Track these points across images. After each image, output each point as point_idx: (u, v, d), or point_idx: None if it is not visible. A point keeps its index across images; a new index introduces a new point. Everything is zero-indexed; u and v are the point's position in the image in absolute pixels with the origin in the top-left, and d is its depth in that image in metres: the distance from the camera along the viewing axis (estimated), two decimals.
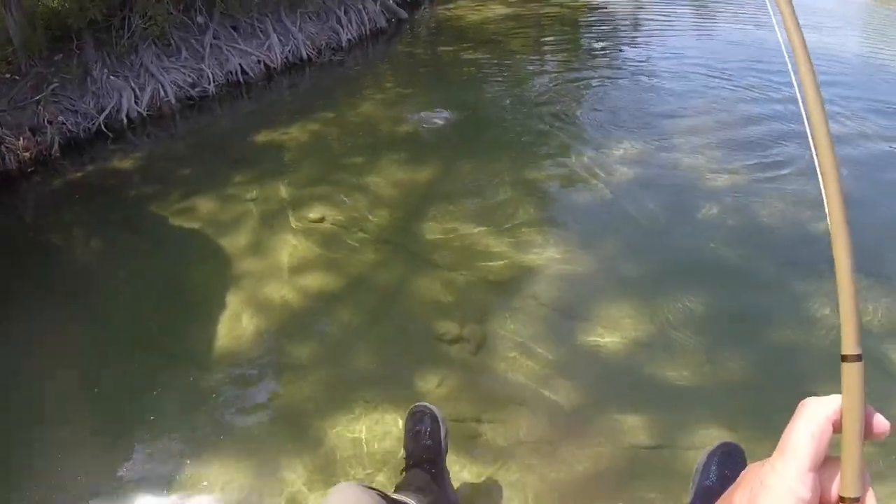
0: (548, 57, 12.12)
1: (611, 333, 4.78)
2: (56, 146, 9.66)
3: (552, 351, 4.66)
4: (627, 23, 14.85)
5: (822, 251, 5.59)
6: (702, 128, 8.18)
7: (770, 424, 1.07)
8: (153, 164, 8.64)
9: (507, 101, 9.59)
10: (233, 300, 5.41)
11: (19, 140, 9.64)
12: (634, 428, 4.04)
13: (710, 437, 3.71)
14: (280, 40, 11.33)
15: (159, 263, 6.14)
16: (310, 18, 12.07)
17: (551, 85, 10.01)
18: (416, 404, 3.50)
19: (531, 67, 11.25)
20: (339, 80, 11.24)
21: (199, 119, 10.08)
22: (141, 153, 9.14)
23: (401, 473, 3.25)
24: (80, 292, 5.78)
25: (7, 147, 9.47)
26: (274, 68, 11.11)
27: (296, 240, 6.12)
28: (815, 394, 0.67)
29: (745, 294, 5.28)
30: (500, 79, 10.52)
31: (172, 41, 10.78)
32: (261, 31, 11.32)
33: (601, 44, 12.90)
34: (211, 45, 10.78)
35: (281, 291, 5.46)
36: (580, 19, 16.34)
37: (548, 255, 5.65)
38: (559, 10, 16.81)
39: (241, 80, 10.84)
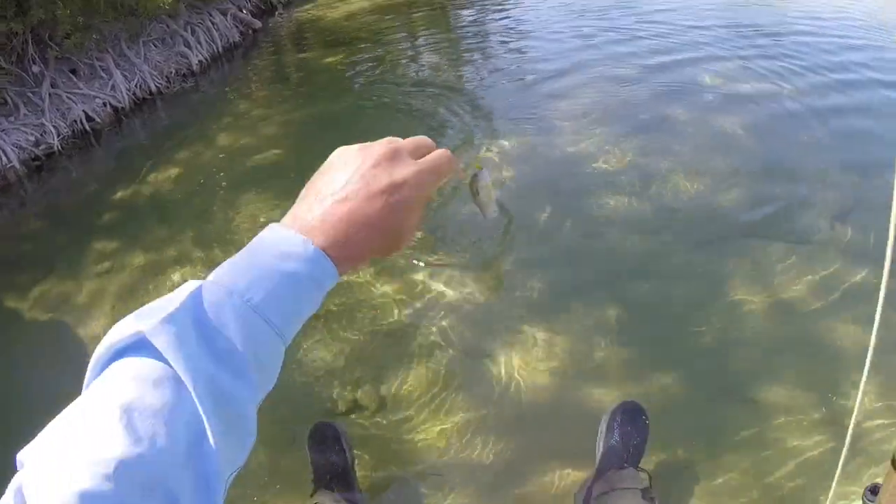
0: (420, 45, 11.74)
1: (527, 369, 4.51)
2: None
3: (463, 400, 4.39)
4: None
5: (732, 225, 5.77)
6: (582, 101, 8.19)
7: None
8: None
9: (376, 106, 9.18)
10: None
11: None
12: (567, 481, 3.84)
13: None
14: (125, 76, 10.60)
15: (5, 370, 5.63)
16: (154, 46, 11.34)
17: (425, 79, 9.80)
18: (318, 421, 3.50)
19: (402, 62, 10.84)
20: (193, 110, 10.54)
21: (48, 182, 9.32)
22: None
23: (310, 497, 3.16)
24: None
25: None
26: (122, 108, 10.41)
27: None
28: None
29: (664, 287, 5.18)
30: (368, 79, 10.17)
31: (8, 98, 9.98)
32: (102, 70, 10.55)
33: (471, 17, 12.75)
34: (50, 94, 10.02)
35: None
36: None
37: (437, 288, 5.33)
38: None
39: (88, 128, 10.03)
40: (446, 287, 5.32)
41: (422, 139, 0.91)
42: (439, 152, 0.90)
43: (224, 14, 12.89)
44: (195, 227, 6.82)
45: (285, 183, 7.14)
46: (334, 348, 4.95)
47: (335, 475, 3.17)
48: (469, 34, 11.99)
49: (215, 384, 0.68)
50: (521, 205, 6.22)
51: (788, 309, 4.83)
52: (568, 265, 5.50)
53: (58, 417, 0.68)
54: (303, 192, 0.87)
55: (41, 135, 9.76)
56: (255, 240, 0.80)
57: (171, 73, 11.23)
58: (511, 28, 11.83)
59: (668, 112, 7.76)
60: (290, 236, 0.78)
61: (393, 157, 0.84)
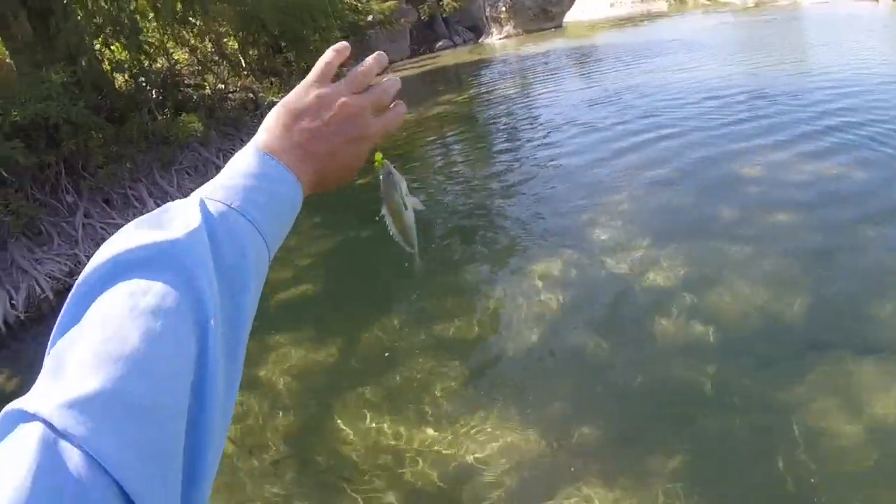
0: (450, 162, 11.71)
1: None
2: None
3: None
4: (520, 103, 14.80)
5: (803, 340, 5.10)
6: (623, 212, 7.69)
7: None
8: (32, 380, 7.82)
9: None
10: None
11: None
12: None
13: None
14: (157, 205, 10.51)
15: None
16: (187, 174, 11.47)
17: (457, 199, 9.57)
18: None
19: (432, 181, 10.70)
20: None
21: None
22: (21, 368, 8.30)
23: None
24: None
25: None
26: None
27: None
28: None
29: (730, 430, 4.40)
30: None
31: (43, 228, 10.03)
32: (135, 199, 10.62)
33: (500, 134, 12.75)
34: (83, 224, 10.05)
35: None
36: (474, 112, 16.25)
37: (484, 442, 4.65)
38: (449, 109, 16.67)
39: None
40: (491, 439, 4.72)
41: (376, 98, 0.94)
42: (397, 113, 0.97)
43: None
44: None
45: (315, 324, 6.93)
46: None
47: None
48: (497, 143, 12.02)
49: (225, 301, 0.67)
50: (567, 338, 5.73)
51: (885, 432, 4.07)
52: (622, 404, 4.82)
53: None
54: (285, 117, 0.87)
55: (75, 265, 9.71)
56: (243, 161, 0.82)
57: None
58: (535, 131, 11.89)
59: (714, 212, 7.34)
60: (279, 170, 0.82)
61: (362, 112, 0.91)
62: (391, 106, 0.96)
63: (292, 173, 0.83)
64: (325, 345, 6.37)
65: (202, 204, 0.72)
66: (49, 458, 0.50)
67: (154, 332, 0.59)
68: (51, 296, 9.32)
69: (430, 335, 6.09)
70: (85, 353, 0.57)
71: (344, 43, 0.96)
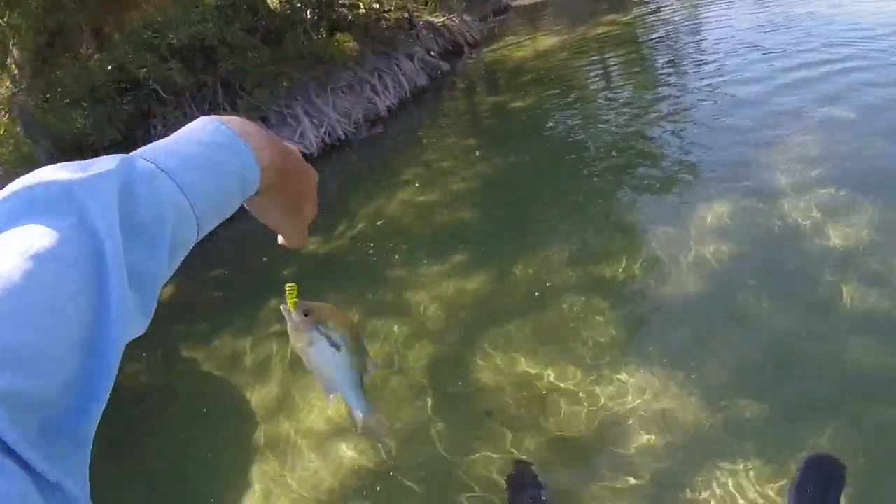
0: (613, 84, 10.87)
1: None
2: None
3: None
4: (687, 25, 13.66)
5: None
6: (806, 157, 6.49)
7: None
8: (185, 289, 7.95)
9: (569, 159, 8.17)
10: (258, 479, 4.54)
11: None
12: None
13: None
14: (314, 123, 10.56)
15: (177, 420, 5.31)
16: (342, 93, 11.27)
17: (620, 126, 8.69)
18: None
19: (595, 105, 9.91)
20: (380, 159, 10.25)
21: (237, 226, 9.31)
22: (175, 275, 8.44)
23: None
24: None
25: None
26: (311, 155, 10.32)
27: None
28: None
29: None
30: (558, 126, 9.33)
31: None
32: (291, 118, 10.56)
33: (666, 58, 11.69)
34: None
35: (311, 463, 4.52)
36: (638, 33, 15.19)
37: (633, 399, 4.21)
38: (611, 29, 15.64)
39: None
40: (638, 393, 4.26)
41: None
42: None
43: (411, 59, 12.72)
44: (367, 295, 6.33)
45: (467, 253, 6.46)
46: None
47: None
48: (663, 68, 11.00)
49: (129, 257, 0.65)
50: (724, 292, 5.02)
51: None
52: (786, 378, 4.14)
53: None
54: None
55: None
56: (193, 130, 0.78)
57: (360, 119, 11.08)
58: (706, 55, 10.74)
59: None
60: (231, 138, 0.78)
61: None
62: None
63: (247, 144, 0.78)
64: (475, 274, 6.04)
65: (127, 158, 0.69)
66: None
67: (33, 277, 0.57)
68: None
69: (585, 274, 5.62)
70: None
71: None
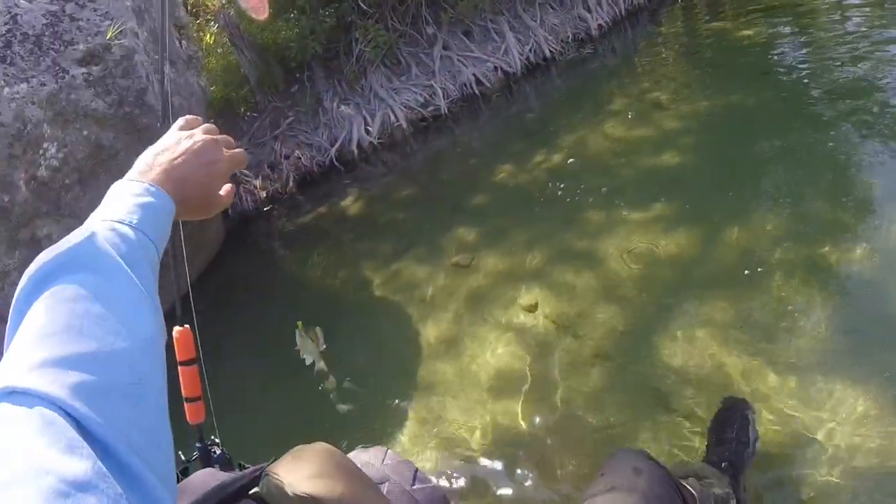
0: (852, 15, 9.32)
1: None
2: (291, 183, 9.27)
3: None
4: None
5: None
6: None
7: None
8: (374, 207, 7.84)
9: (797, 107, 6.78)
10: (414, 414, 4.34)
11: (257, 179, 9.37)
12: None
13: None
14: (518, 39, 9.95)
15: (344, 348, 5.16)
16: (552, 8, 10.51)
17: (865, 71, 6.91)
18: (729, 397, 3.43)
19: (831, 39, 7.97)
20: (588, 84, 9.36)
21: (432, 143, 9.08)
22: (368, 191, 8.37)
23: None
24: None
25: (245, 188, 9.22)
26: (513, 73, 9.79)
27: (498, 340, 4.71)
28: None
29: None
30: (792, 64, 8.03)
31: (402, 58, 9.90)
32: (495, 34, 10.02)
33: None
34: (441, 57, 9.71)
35: (470, 419, 4.19)
36: None
37: (835, 419, 3.33)
38: None
39: (477, 91, 9.64)
40: (847, 418, 3.39)
41: (226, 138, 1.26)
42: (240, 154, 1.27)
43: None
44: (553, 239, 5.72)
45: (672, 205, 5.63)
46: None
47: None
48: None
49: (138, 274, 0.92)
50: None
51: None
52: None
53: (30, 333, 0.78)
54: (145, 158, 1.13)
55: (430, 96, 9.54)
56: (116, 191, 1.04)
57: (568, 37, 10.33)
58: None
59: None
60: (146, 186, 1.06)
61: (214, 144, 1.19)
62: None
63: (160, 189, 1.06)
64: (677, 233, 5.22)
65: (91, 225, 0.94)
66: (16, 412, 0.66)
67: (77, 309, 0.78)
68: (404, 124, 9.37)
69: (806, 254, 4.55)
70: (30, 337, 0.74)
71: (194, 117, 1.28)
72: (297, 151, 9.56)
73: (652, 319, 4.46)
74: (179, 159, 1.12)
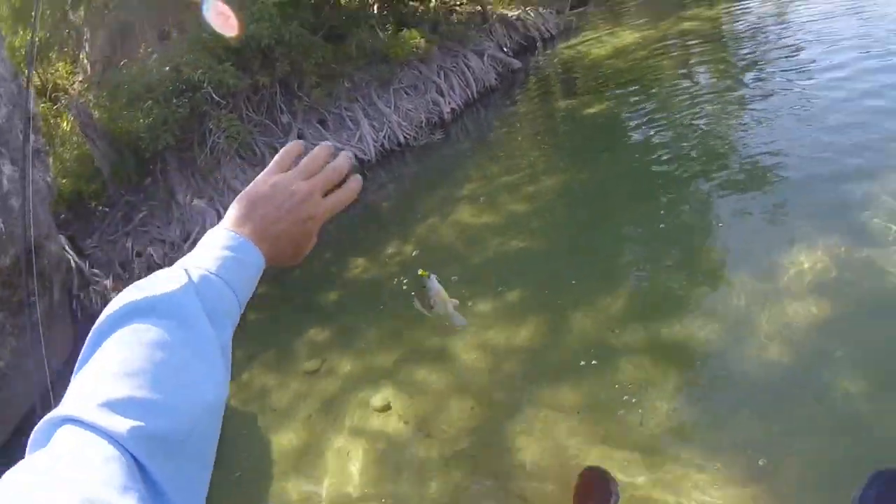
0: (698, 89, 9.70)
1: None
2: None
3: None
4: (779, 20, 12.63)
5: None
6: None
7: None
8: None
9: (647, 176, 7.09)
10: None
11: (108, 279, 8.98)
12: None
13: None
14: (373, 126, 10.07)
15: None
16: (405, 93, 10.73)
17: (704, 141, 7.55)
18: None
19: (679, 114, 8.62)
20: (440, 169, 9.48)
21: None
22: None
23: None
24: None
25: (95, 289, 8.81)
26: (368, 161, 9.87)
27: (351, 444, 4.61)
28: None
29: None
30: (636, 138, 8.32)
31: (257, 148, 9.80)
32: (350, 121, 10.11)
33: (757, 59, 10.53)
34: None
35: None
36: (724, 29, 14.19)
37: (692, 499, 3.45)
38: (696, 25, 14.68)
39: None
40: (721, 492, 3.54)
41: (337, 170, 1.11)
42: (342, 197, 1.12)
43: (480, 55, 12.10)
44: (408, 335, 5.70)
45: (524, 289, 5.73)
46: None
47: None
48: (754, 72, 9.85)
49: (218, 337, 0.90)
50: (818, 376, 4.03)
51: None
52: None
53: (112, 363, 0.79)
54: (242, 206, 1.06)
55: None
56: (212, 239, 1.00)
57: (422, 122, 10.54)
58: (798, 57, 9.59)
59: None
60: (241, 240, 1.01)
61: (309, 197, 1.08)
62: (345, 180, 1.11)
63: (254, 245, 1.01)
64: (526, 322, 5.33)
65: (189, 269, 0.92)
66: (85, 446, 0.68)
67: (157, 356, 0.79)
68: None
69: (649, 333, 4.72)
70: (107, 372, 0.76)
71: (298, 142, 1.14)
72: (149, 248, 9.24)
73: (502, 413, 4.49)
74: (276, 215, 1.06)
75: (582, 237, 6.35)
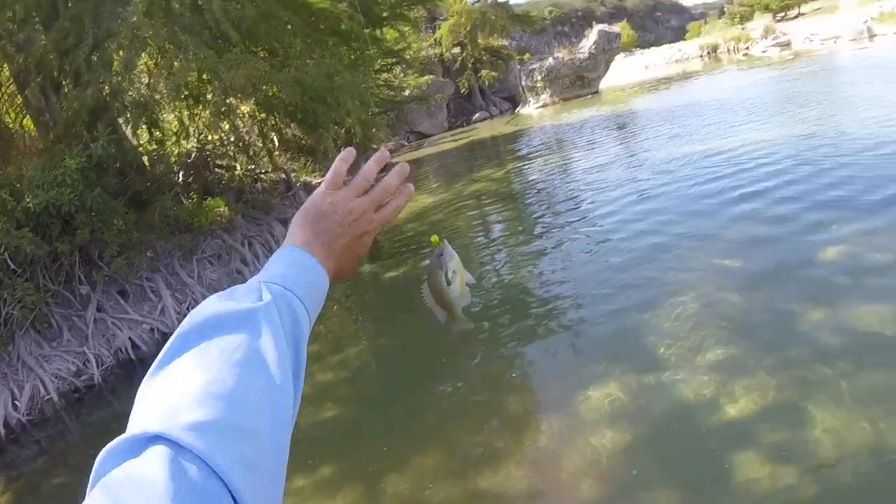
0: (493, 245, 10.76)
1: None
2: None
3: None
4: (562, 176, 14.10)
5: None
6: (685, 315, 6.31)
7: None
8: (23, 502, 7.15)
9: (443, 339, 7.33)
10: None
11: None
12: None
13: None
14: (175, 297, 10.04)
15: None
16: (209, 263, 10.89)
17: (498, 297, 8.35)
18: None
19: (475, 272, 9.41)
20: None
21: (88, 418, 8.53)
22: (15, 481, 7.59)
23: None
24: None
25: None
26: (170, 335, 9.73)
27: None
28: None
29: None
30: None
31: (53, 320, 9.45)
32: (152, 292, 10.04)
33: (545, 213, 11.88)
34: (95, 319, 9.45)
35: None
36: (513, 188, 15.57)
37: None
38: (487, 186, 16.02)
39: (133, 356, 9.41)
40: None
41: (377, 198, 1.18)
42: (391, 211, 1.19)
43: (284, 223, 12.50)
44: None
45: (337, 459, 5.95)
46: None
47: None
48: (543, 221, 11.05)
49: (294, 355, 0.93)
50: (617, 495, 4.52)
51: None
52: None
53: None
54: (305, 226, 1.12)
55: (83, 364, 9.11)
56: (287, 255, 1.07)
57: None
58: (581, 208, 11.00)
59: (794, 309, 5.98)
60: (314, 261, 1.08)
61: (367, 216, 1.15)
62: (397, 192, 1.20)
63: (322, 265, 1.08)
64: (342, 492, 5.47)
65: (267, 284, 0.96)
66: (177, 468, 0.68)
67: (244, 377, 0.80)
68: (55, 397, 8.69)
69: (465, 485, 5.02)
70: (194, 391, 0.76)
71: (350, 149, 1.23)
72: None
73: None
74: (338, 231, 1.11)
75: (390, 399, 6.69)
